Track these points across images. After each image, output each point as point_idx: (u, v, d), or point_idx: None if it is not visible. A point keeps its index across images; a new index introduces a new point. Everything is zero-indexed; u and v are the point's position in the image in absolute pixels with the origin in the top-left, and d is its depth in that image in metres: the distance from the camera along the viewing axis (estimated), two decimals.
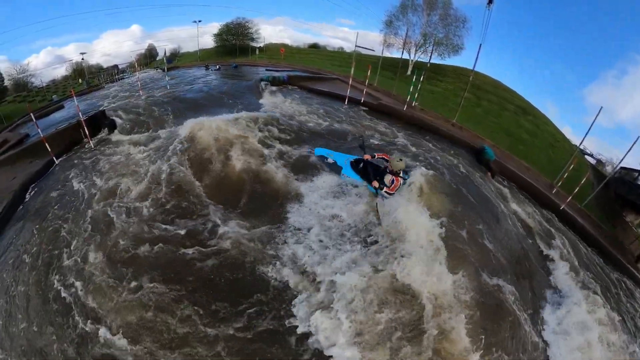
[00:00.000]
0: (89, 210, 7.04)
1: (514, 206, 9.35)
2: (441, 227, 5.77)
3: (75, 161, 9.81)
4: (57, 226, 6.82)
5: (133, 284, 5.27)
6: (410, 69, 25.87)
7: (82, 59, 32.68)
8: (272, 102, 14.88)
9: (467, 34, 25.66)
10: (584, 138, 12.10)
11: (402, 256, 5.30)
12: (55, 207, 7.49)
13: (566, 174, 11.26)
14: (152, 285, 5.22)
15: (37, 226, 6.95)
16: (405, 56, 26.41)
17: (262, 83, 18.06)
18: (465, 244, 5.95)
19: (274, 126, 9.76)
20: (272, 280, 5.29)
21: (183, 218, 6.53)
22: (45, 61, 34.70)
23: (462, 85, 20.67)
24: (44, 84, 31.16)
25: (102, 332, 4.72)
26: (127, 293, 5.14)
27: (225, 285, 5.26)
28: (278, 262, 5.56)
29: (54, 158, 9.96)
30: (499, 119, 20.05)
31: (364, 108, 14.69)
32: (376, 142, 10.60)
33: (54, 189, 8.35)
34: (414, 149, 10.62)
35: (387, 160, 6.92)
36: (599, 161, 21.04)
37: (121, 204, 7.02)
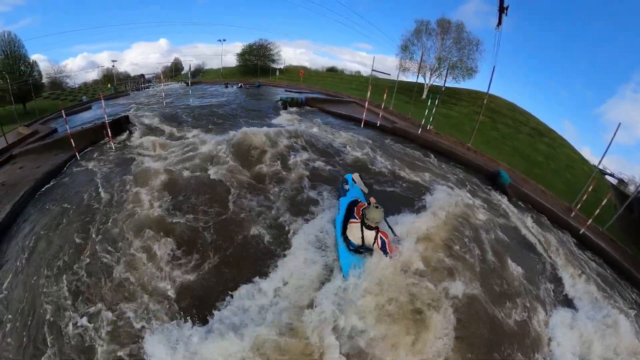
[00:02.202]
0: (102, 203, 7.38)
1: (531, 230, 9.16)
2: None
3: (96, 159, 10.34)
4: (70, 213, 7.09)
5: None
6: (425, 92, 26.31)
7: (113, 66, 36.12)
8: (290, 121, 15.38)
9: (480, 56, 26.40)
10: (602, 157, 11.48)
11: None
12: (71, 196, 7.85)
13: (585, 196, 10.83)
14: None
15: (52, 212, 7.28)
16: (421, 80, 27.02)
17: (281, 103, 18.74)
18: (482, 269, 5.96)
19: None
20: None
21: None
22: (80, 65, 38.35)
23: (476, 108, 20.78)
24: (77, 86, 34.17)
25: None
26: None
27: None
28: None
29: (77, 154, 10.52)
30: (515, 142, 19.88)
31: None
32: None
33: (72, 181, 8.80)
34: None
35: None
36: (620, 180, 20.21)
37: (132, 200, 7.29)
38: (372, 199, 5.53)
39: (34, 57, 27.40)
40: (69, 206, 7.36)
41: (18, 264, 5.86)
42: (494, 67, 13.92)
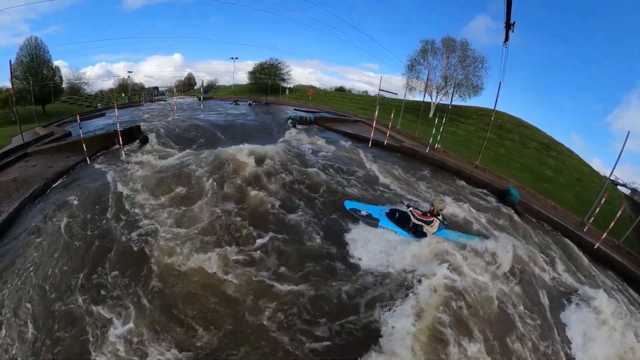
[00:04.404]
0: (107, 210, 7.46)
1: (542, 247, 8.82)
2: None
3: (106, 165, 10.58)
4: (72, 217, 7.18)
5: None
6: (432, 111, 26.44)
7: (128, 76, 38.25)
8: (298, 139, 15.54)
9: (485, 73, 26.45)
10: (614, 167, 11.15)
11: None
12: (76, 200, 7.93)
13: (598, 209, 10.47)
14: None
15: (54, 213, 7.36)
16: (427, 99, 27.17)
17: (290, 122, 19.04)
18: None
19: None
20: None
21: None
22: (98, 73, 40.63)
23: (483, 125, 20.73)
24: (93, 93, 36.10)
25: None
26: None
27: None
28: None
29: (87, 158, 10.82)
30: (522, 157, 19.61)
31: None
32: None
33: (80, 185, 8.93)
34: None
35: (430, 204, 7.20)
36: (634, 190, 19.58)
37: (138, 206, 7.53)
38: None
39: (56, 62, 29.32)
40: (72, 209, 7.45)
41: (16, 259, 5.94)
42: (500, 83, 14.02)
